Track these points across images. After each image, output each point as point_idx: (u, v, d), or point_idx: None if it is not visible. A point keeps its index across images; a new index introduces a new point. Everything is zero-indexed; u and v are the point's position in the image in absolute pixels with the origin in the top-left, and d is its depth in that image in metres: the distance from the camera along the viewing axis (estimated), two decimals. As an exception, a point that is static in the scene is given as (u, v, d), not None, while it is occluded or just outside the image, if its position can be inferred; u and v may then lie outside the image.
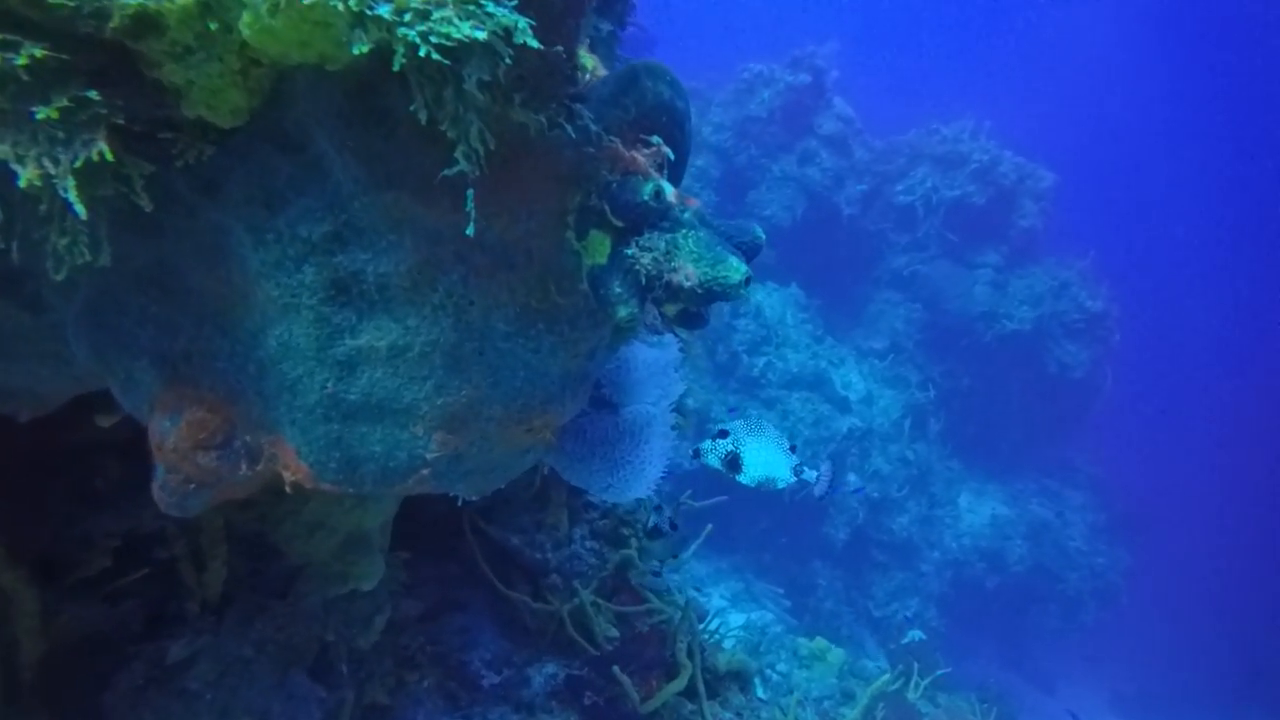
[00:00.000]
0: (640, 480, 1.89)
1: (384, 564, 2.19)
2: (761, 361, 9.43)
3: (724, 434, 2.31)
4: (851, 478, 9.59)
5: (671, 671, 3.12)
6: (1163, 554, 12.53)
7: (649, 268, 1.23)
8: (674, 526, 2.85)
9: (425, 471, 1.44)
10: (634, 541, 3.36)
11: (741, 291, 1.24)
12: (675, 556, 3.39)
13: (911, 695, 5.79)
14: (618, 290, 1.25)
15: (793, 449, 2.33)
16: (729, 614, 8.95)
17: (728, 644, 6.38)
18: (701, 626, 4.46)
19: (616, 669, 2.81)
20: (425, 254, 1.27)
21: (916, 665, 5.80)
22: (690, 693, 3.13)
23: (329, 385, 1.31)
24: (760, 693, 7.39)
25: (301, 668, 2.10)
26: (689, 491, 4.57)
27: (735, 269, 1.23)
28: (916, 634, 7.78)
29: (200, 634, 1.91)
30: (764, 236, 1.34)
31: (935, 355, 10.53)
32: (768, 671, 7.16)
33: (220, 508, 1.74)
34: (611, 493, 1.92)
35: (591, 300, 1.34)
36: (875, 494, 9.61)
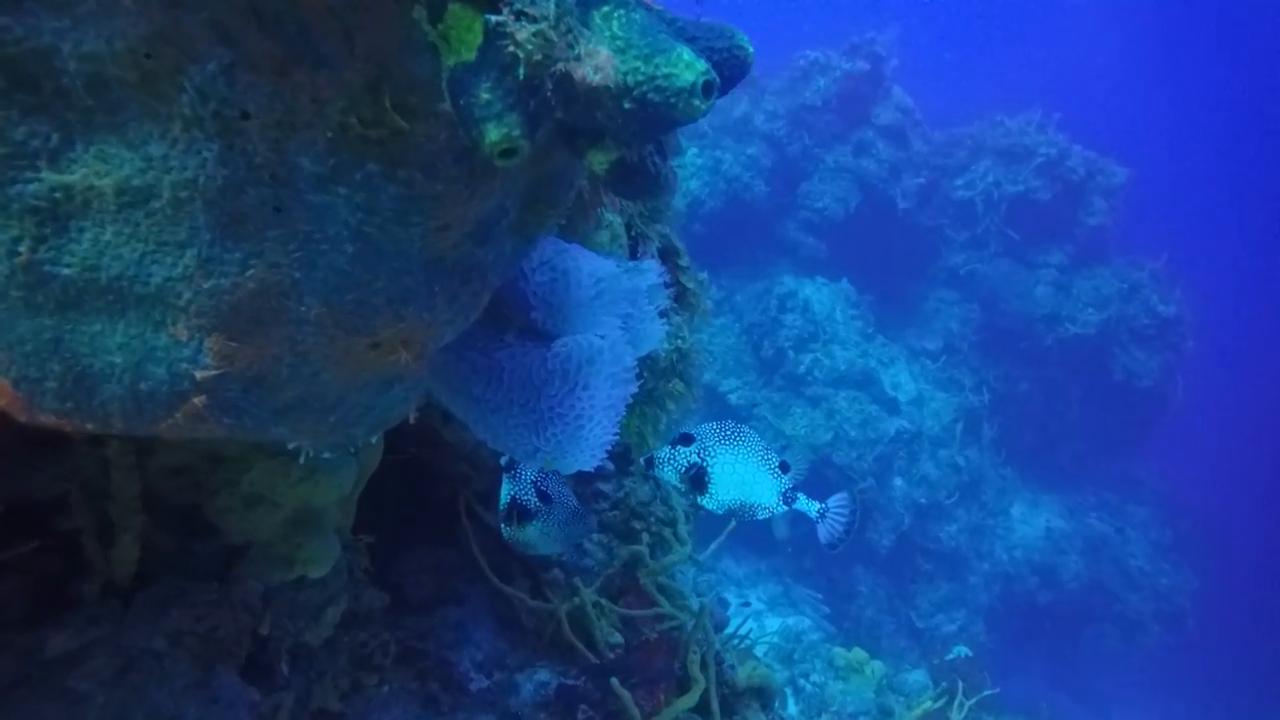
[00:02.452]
0: (579, 443, 1.47)
1: (338, 547, 1.88)
2: (808, 358, 8.96)
3: (687, 439, 1.74)
4: (898, 482, 9.04)
5: (683, 685, 2.76)
6: (1233, 577, 11.56)
7: (531, 51, 0.81)
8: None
9: (200, 400, 1.04)
10: (645, 536, 2.99)
11: (696, 104, 0.82)
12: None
13: (955, 716, 5.28)
14: (485, 97, 0.84)
15: (784, 467, 1.77)
16: (765, 618, 8.52)
17: (760, 650, 5.96)
18: (727, 633, 4.09)
19: (615, 681, 2.42)
20: (159, 21, 0.86)
21: (961, 684, 5.27)
22: (703, 710, 2.77)
23: (23, 249, 0.90)
24: (791, 706, 6.94)
25: (231, 666, 1.78)
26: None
27: (685, 65, 0.81)
28: (962, 650, 7.23)
29: (96, 622, 1.57)
30: (750, 50, 0.91)
31: (991, 358, 9.90)
32: (801, 681, 6.71)
33: (141, 472, 1.51)
34: (542, 459, 1.51)
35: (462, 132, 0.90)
36: (923, 500, 9.05)
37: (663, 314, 2.00)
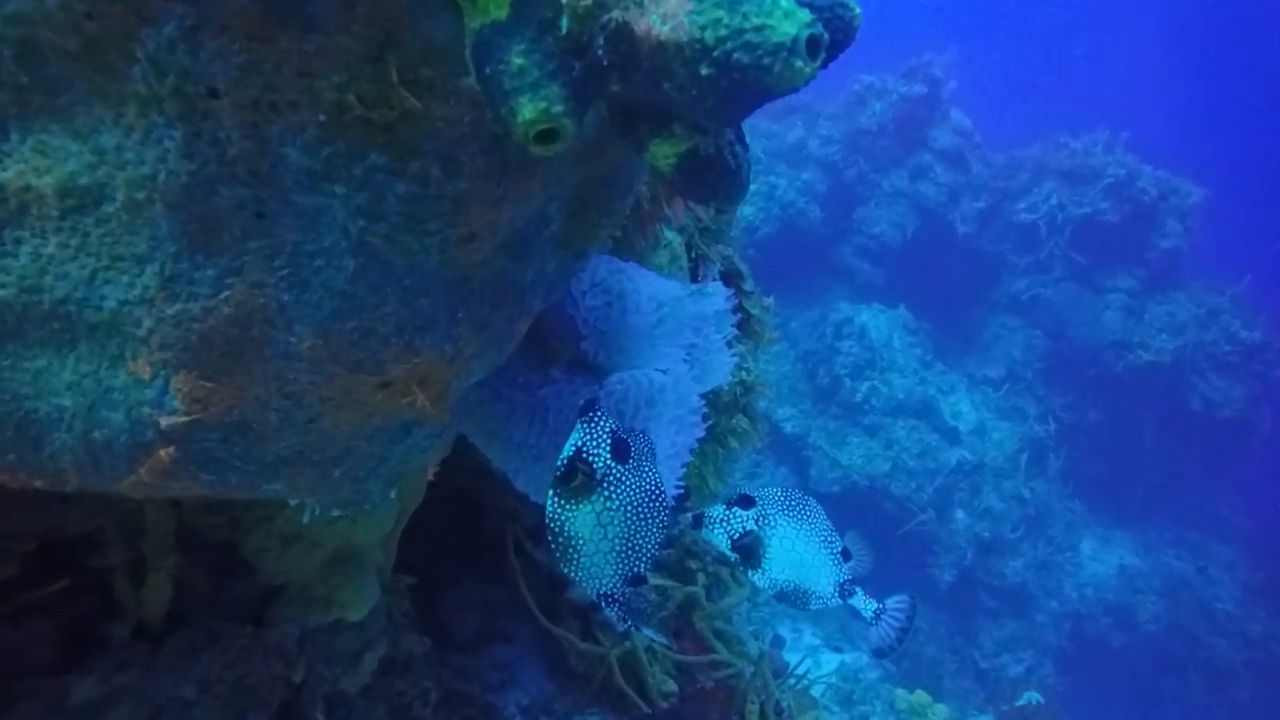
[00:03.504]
0: None
1: (378, 589, 1.76)
2: (865, 386, 8.55)
3: (746, 502, 1.44)
4: (960, 514, 8.52)
5: (740, 737, 2.48)
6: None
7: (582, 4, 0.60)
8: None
9: (168, 453, 0.84)
10: (701, 577, 2.71)
11: (798, 67, 0.63)
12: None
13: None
14: (518, 63, 0.65)
15: (845, 555, 1.48)
16: (821, 654, 8.06)
17: (817, 690, 5.55)
18: (783, 679, 3.77)
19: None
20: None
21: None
22: (762, 765, 2.49)
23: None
24: (854, 756, 6.46)
25: (263, 715, 1.59)
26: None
27: (784, 14, 0.63)
28: (1034, 696, 6.66)
29: (123, 667, 1.43)
30: (858, 11, 0.76)
31: (1057, 386, 9.33)
32: (862, 726, 6.24)
33: (177, 507, 1.41)
34: None
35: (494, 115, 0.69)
36: (986, 533, 8.51)
37: (728, 343, 1.72)
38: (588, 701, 2.50)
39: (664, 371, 1.30)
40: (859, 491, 8.27)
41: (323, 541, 1.58)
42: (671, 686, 2.49)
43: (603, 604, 1.11)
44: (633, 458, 1.17)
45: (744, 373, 2.28)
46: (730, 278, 2.45)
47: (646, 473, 1.17)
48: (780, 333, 9.13)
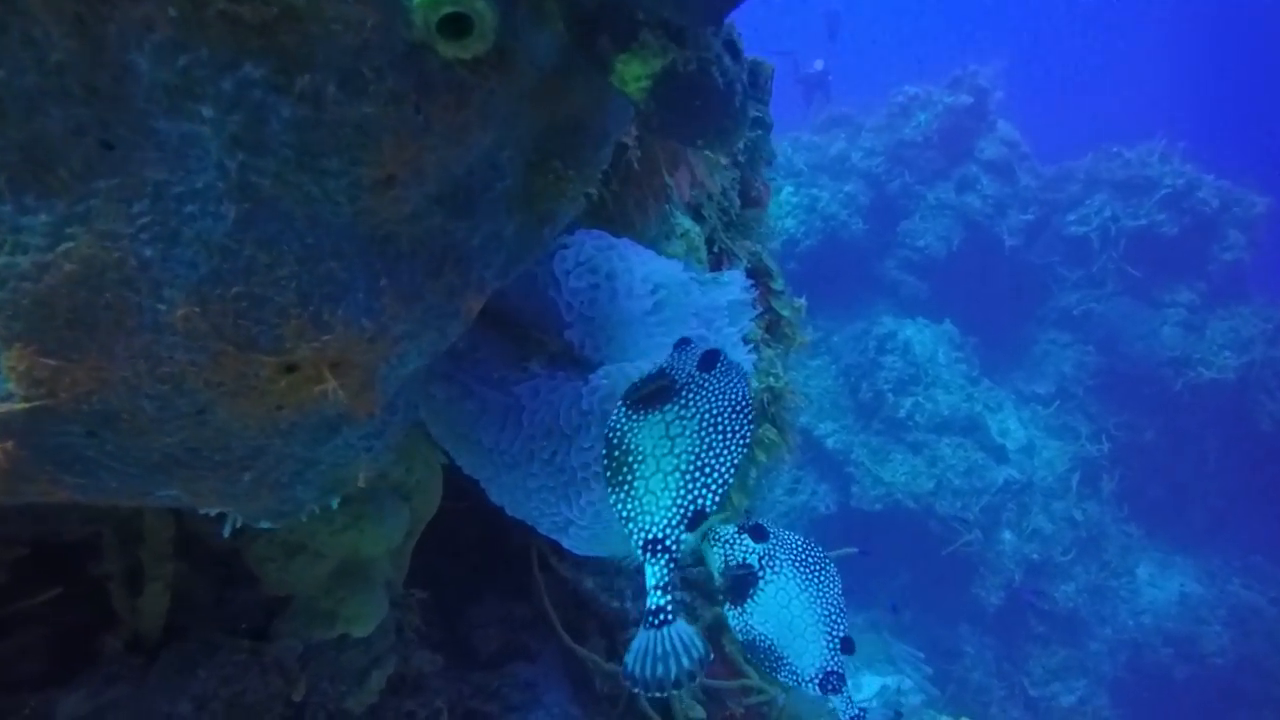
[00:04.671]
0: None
1: (386, 604, 1.63)
2: (909, 402, 8.17)
3: (760, 533, 1.25)
4: (1008, 535, 8.04)
5: (771, 768, 2.31)
6: None
7: None
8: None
9: (8, 448, 0.67)
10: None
11: None
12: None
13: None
14: None
15: (847, 645, 1.26)
16: (862, 676, 7.66)
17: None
18: (819, 706, 3.51)
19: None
20: None
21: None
22: (796, 798, 2.29)
23: None
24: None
25: None
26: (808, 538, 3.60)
27: None
28: (1090, 729, 6.17)
29: (114, 682, 1.32)
30: None
31: (1111, 404, 8.79)
32: (904, 757, 5.88)
33: (179, 512, 1.31)
34: (575, 537, 1.02)
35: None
36: (1035, 555, 8.03)
37: (750, 342, 1.49)
38: (610, 728, 2.29)
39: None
40: (902, 510, 7.88)
41: (328, 553, 1.46)
42: (700, 713, 2.32)
43: (647, 556, 0.86)
44: (720, 366, 0.95)
45: (772, 379, 2.03)
46: (758, 275, 2.22)
47: (734, 383, 0.94)
48: (823, 346, 8.84)
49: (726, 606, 1.21)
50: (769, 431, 2.09)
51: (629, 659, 0.87)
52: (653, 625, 0.86)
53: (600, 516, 1.03)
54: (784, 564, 1.23)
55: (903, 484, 7.93)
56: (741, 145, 2.12)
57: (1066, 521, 8.27)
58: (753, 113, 2.25)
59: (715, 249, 2.12)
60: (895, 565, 8.03)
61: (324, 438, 0.85)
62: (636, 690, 0.90)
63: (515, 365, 1.13)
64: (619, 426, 0.88)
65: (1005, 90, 9.01)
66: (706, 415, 0.89)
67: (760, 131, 2.27)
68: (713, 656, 0.93)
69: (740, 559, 1.22)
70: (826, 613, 1.23)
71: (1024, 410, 8.88)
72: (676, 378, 0.93)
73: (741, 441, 0.89)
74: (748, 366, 1.35)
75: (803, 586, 1.23)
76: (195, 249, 0.66)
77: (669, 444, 0.88)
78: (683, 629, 0.86)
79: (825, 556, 1.25)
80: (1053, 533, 8.20)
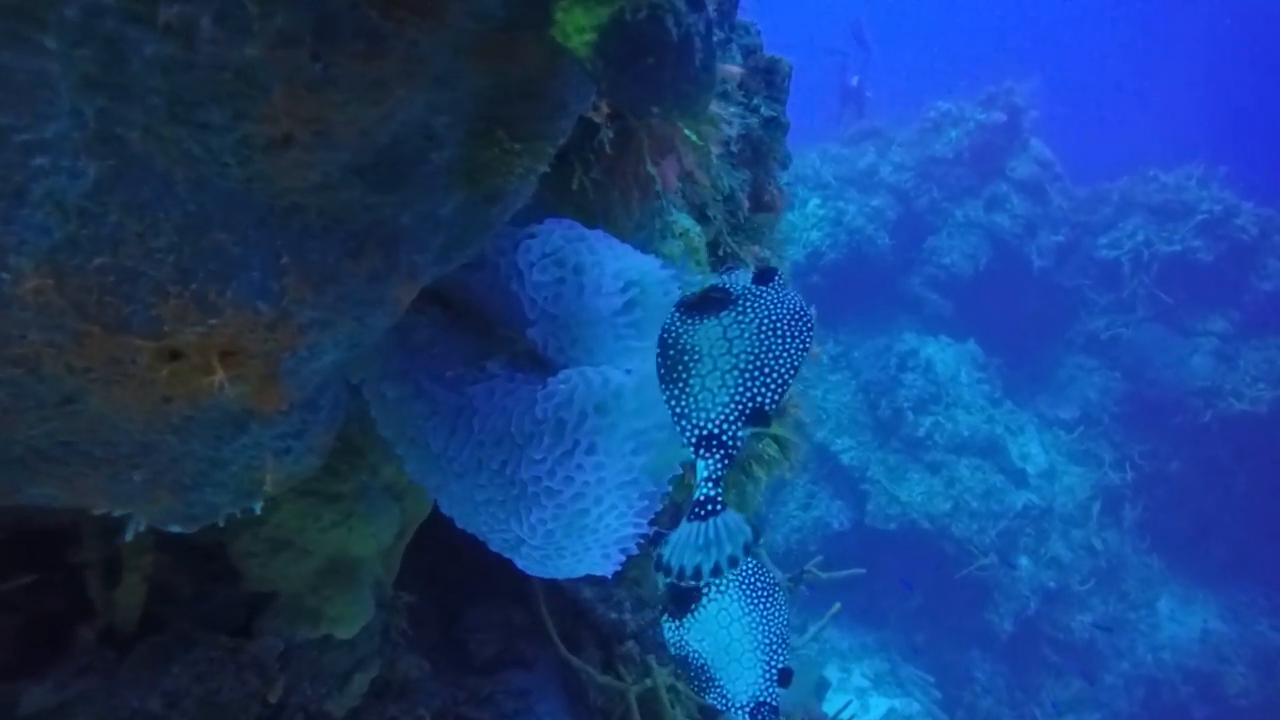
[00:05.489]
0: (580, 537, 0.90)
1: (372, 605, 1.57)
2: (928, 421, 7.94)
3: None
4: (1024, 561, 7.77)
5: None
6: None
7: None
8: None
9: None
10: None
11: None
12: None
13: None
14: None
15: (784, 676, 1.20)
16: (870, 697, 7.44)
17: (862, 738, 5.03)
18: (833, 716, 3.38)
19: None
20: None
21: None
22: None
23: None
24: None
25: None
26: (818, 557, 3.44)
27: None
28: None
29: (83, 674, 1.27)
30: None
31: (1136, 432, 8.48)
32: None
33: None
34: (527, 557, 0.92)
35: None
36: (1052, 583, 7.75)
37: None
38: (602, 741, 2.21)
39: (630, 372, 0.94)
40: (917, 530, 7.66)
41: (314, 550, 1.41)
42: None
43: (700, 451, 0.81)
44: (778, 280, 0.91)
45: (773, 391, 1.88)
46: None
47: (791, 296, 0.90)
48: (842, 361, 8.65)
49: (665, 618, 1.16)
50: (770, 447, 1.95)
51: (666, 550, 0.83)
52: (698, 517, 0.82)
53: (552, 537, 0.91)
54: (731, 585, 1.17)
55: (919, 504, 7.71)
56: (745, 141, 2.00)
57: (1085, 550, 7.98)
58: (767, 111, 2.12)
59: (720, 251, 1.99)
60: (908, 586, 7.80)
61: (229, 436, 0.74)
62: (669, 580, 0.87)
63: (475, 365, 1.01)
64: (674, 330, 0.85)
65: (1041, 109, 8.76)
66: (765, 321, 0.86)
67: (775, 132, 2.14)
68: (761, 539, 0.85)
69: (686, 573, 1.11)
70: (768, 641, 1.16)
71: (1046, 434, 8.60)
72: (731, 290, 0.88)
73: (802, 347, 0.86)
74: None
75: (746, 610, 1.16)
76: (47, 210, 0.55)
77: (727, 345, 0.85)
78: (730, 517, 0.83)
79: (775, 584, 1.19)
80: (1071, 561, 7.91)
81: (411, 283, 0.74)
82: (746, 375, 0.83)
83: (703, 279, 0.90)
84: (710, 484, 0.82)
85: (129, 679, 1.30)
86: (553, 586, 2.60)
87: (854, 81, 10.15)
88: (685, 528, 0.83)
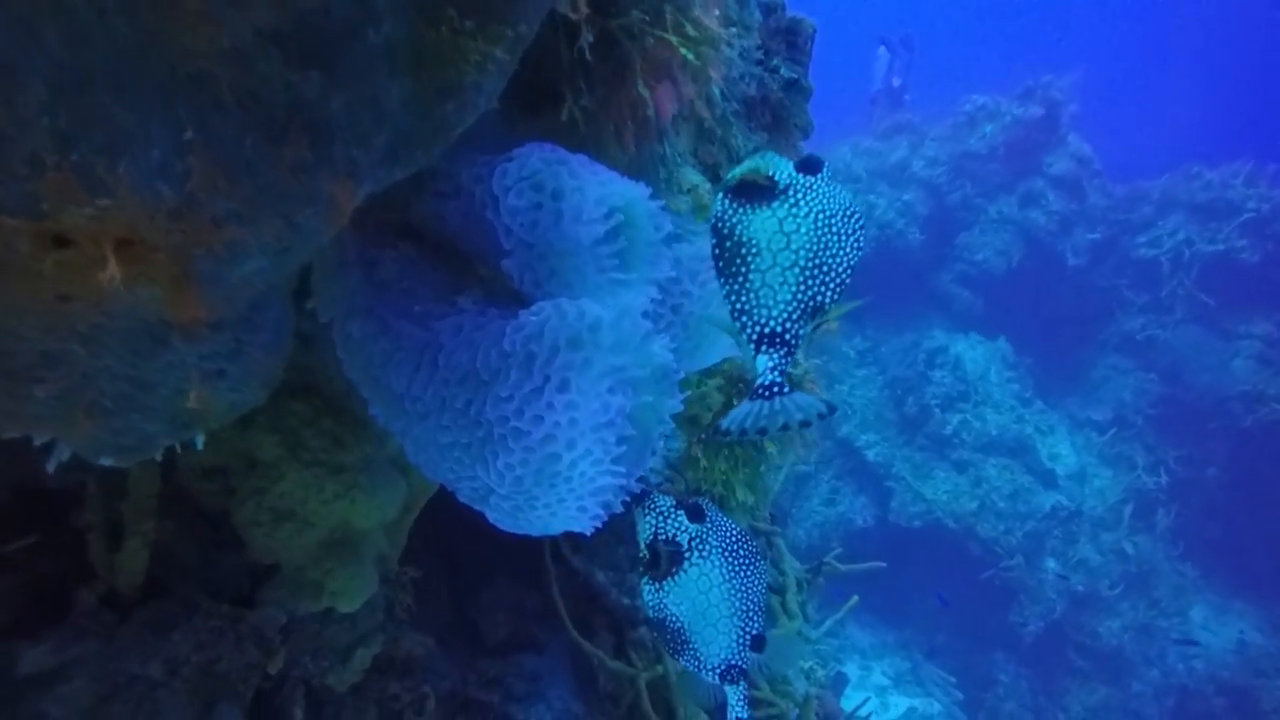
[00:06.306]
0: (552, 486, 0.80)
1: (376, 580, 1.53)
2: (956, 419, 7.72)
3: (697, 513, 1.16)
4: (1051, 563, 7.52)
5: (777, 789, 2.26)
6: None
7: None
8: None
9: None
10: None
11: None
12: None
13: None
14: None
15: (757, 642, 1.20)
16: (889, 696, 7.25)
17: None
18: (850, 712, 3.26)
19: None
20: None
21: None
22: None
23: None
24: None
25: (236, 706, 1.38)
26: (837, 549, 3.31)
27: None
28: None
29: (81, 637, 1.24)
30: None
31: (1171, 436, 8.15)
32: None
33: (171, 468, 1.28)
34: (496, 508, 0.84)
35: None
36: (1079, 587, 7.48)
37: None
38: (610, 729, 2.18)
39: (607, 303, 0.84)
40: (942, 529, 7.45)
41: (317, 521, 1.37)
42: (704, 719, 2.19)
43: (764, 348, 0.80)
44: (825, 170, 0.87)
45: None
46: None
47: (840, 189, 0.87)
48: (870, 357, 8.44)
49: (644, 580, 1.14)
50: (782, 423, 1.83)
51: (725, 420, 0.80)
52: (762, 397, 0.80)
53: (521, 484, 0.81)
54: (714, 550, 1.16)
55: (944, 502, 7.50)
56: (764, 104, 1.88)
57: (1115, 554, 7.70)
58: (787, 73, 1.99)
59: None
60: (931, 585, 7.59)
61: (147, 351, 0.65)
62: (729, 439, 0.86)
63: (445, 300, 0.91)
64: (727, 218, 0.81)
65: (1081, 103, 8.43)
66: (820, 215, 0.83)
67: (797, 96, 2.02)
68: (835, 411, 0.81)
69: (670, 535, 1.14)
70: (744, 608, 1.17)
71: (1077, 436, 8.32)
72: (777, 176, 0.83)
73: (857, 245, 0.84)
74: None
75: (727, 577, 1.15)
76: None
77: (785, 240, 0.83)
78: (800, 396, 0.81)
79: (760, 557, 1.17)
80: (1100, 565, 7.64)
81: (350, 182, 0.64)
82: (807, 272, 0.81)
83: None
84: (773, 372, 0.81)
85: (129, 643, 1.28)
86: (567, 570, 2.54)
87: (895, 83, 9.91)
88: (746, 405, 0.81)
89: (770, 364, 0.82)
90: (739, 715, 1.20)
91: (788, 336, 0.81)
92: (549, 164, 0.88)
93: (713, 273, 1.06)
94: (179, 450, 1.32)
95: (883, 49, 9.97)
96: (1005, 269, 8.38)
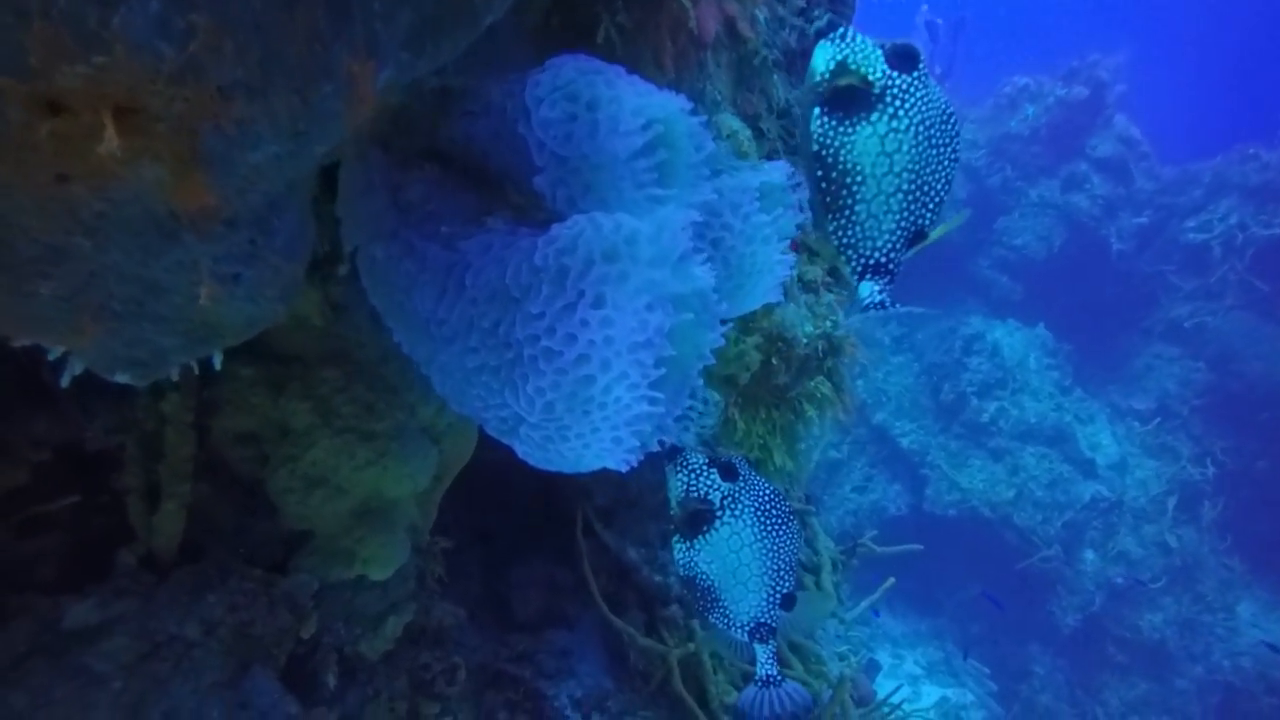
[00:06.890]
0: (586, 413, 0.73)
1: (408, 548, 1.54)
2: (993, 406, 7.51)
3: (730, 472, 1.15)
4: (1090, 555, 7.30)
5: (809, 770, 2.25)
6: None
7: None
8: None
9: None
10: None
11: None
12: None
13: None
14: None
15: (788, 600, 1.19)
16: (922, 685, 7.11)
17: (911, 725, 4.77)
18: (869, 710, 3.16)
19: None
20: None
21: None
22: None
23: None
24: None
25: (270, 668, 1.41)
26: (873, 532, 3.21)
27: None
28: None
29: (122, 595, 1.27)
30: None
31: (1219, 427, 7.84)
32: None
33: (206, 435, 1.31)
34: (526, 439, 0.77)
35: None
36: (1119, 579, 7.25)
37: (790, 248, 1.16)
38: (643, 703, 2.23)
39: (645, 220, 0.77)
40: (978, 518, 7.26)
41: (349, 489, 1.38)
42: (735, 698, 2.20)
43: (868, 276, 0.82)
44: (920, 67, 0.80)
45: (828, 324, 1.68)
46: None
47: (935, 89, 0.81)
48: (905, 343, 8.25)
49: (676, 538, 1.12)
50: (823, 385, 1.75)
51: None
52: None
53: (553, 410, 0.74)
54: (746, 509, 1.15)
55: (980, 491, 7.31)
56: (804, 57, 1.78)
57: (1158, 547, 7.45)
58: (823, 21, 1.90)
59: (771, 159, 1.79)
60: (966, 574, 7.42)
61: (156, 246, 0.59)
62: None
63: (473, 220, 0.85)
64: (829, 141, 0.78)
65: (1128, 83, 8.11)
66: (920, 126, 0.78)
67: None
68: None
69: (703, 494, 1.13)
70: (775, 567, 1.15)
71: (1119, 425, 8.04)
72: (870, 75, 0.76)
73: (954, 157, 0.80)
74: (786, 271, 1.02)
75: (758, 536, 1.14)
76: None
77: (888, 162, 0.78)
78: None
79: (792, 515, 1.15)
80: (1141, 557, 7.40)
81: (371, 62, 0.58)
82: (910, 197, 0.79)
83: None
84: (880, 293, 0.82)
85: (167, 604, 1.30)
86: (598, 546, 2.50)
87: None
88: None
89: (869, 297, 0.82)
90: (768, 672, 1.17)
91: (891, 266, 0.81)
92: (584, 73, 0.80)
93: (756, 205, 0.99)
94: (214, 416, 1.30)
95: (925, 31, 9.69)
96: (1046, 254, 8.12)
